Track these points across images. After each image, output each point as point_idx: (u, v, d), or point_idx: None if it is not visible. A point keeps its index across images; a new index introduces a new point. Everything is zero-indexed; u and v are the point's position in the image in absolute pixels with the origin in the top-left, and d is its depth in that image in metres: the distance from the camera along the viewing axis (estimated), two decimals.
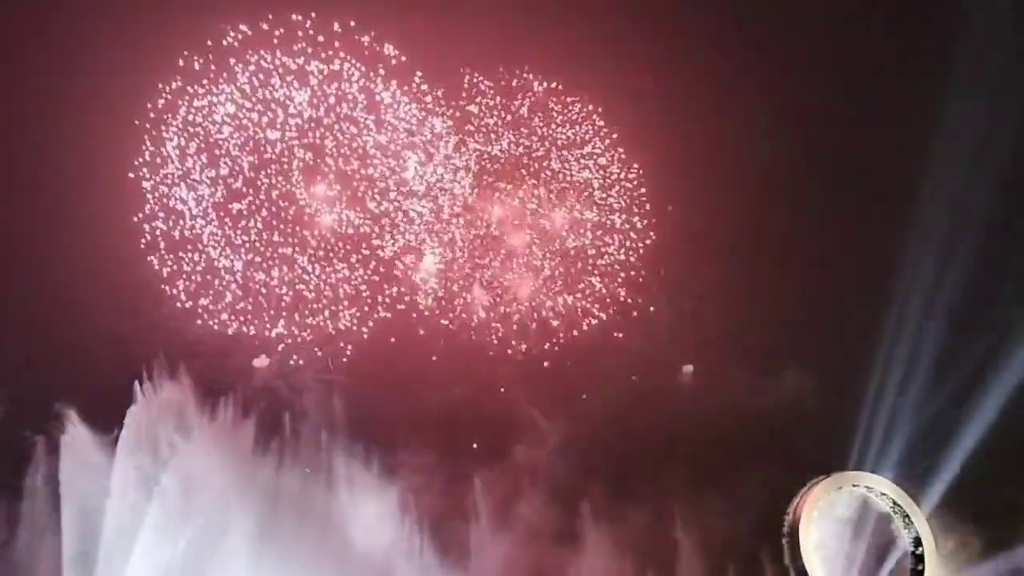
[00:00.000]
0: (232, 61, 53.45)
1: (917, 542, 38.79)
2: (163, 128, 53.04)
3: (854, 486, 40.19)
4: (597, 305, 57.62)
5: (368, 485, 48.64)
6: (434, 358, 55.83)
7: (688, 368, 57.89)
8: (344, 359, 54.26)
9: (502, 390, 55.74)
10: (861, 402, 51.11)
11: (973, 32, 50.51)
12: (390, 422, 51.80)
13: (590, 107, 58.99)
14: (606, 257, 58.04)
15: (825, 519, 39.45)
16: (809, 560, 38.77)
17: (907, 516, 39.36)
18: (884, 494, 39.59)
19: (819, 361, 53.80)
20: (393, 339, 55.09)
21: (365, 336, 54.96)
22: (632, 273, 58.25)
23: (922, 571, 38.57)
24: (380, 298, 55.38)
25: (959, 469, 41.07)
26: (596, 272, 57.53)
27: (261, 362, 53.23)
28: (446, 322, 55.92)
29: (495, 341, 56.64)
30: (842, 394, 52.47)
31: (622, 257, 57.93)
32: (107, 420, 40.07)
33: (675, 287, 57.77)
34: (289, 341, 53.63)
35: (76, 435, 39.21)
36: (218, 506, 40.83)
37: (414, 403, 52.96)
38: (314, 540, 43.98)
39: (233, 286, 53.07)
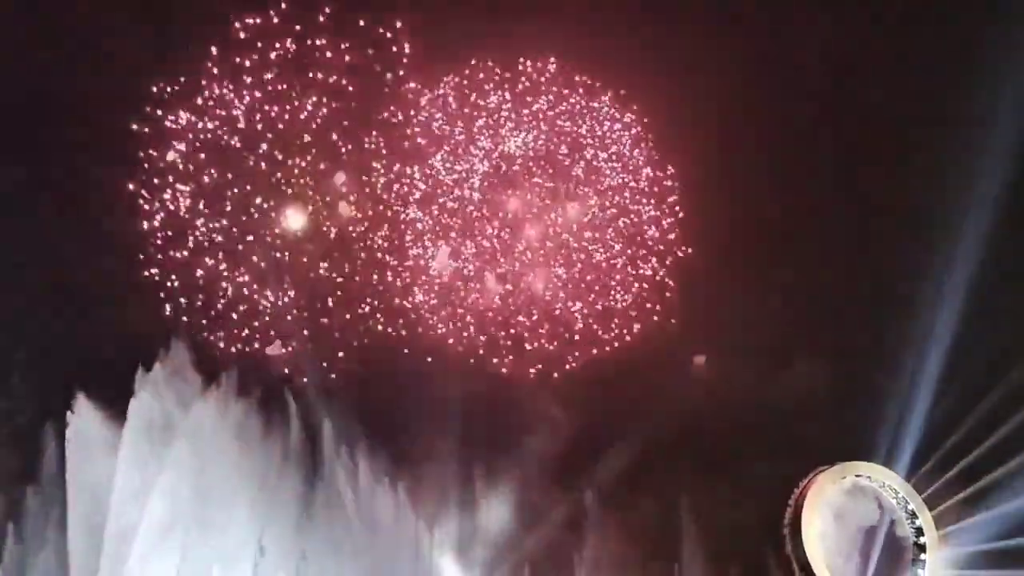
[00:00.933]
0: (237, 60, 53.16)
1: (919, 532, 38.49)
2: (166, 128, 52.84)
3: (857, 476, 39.91)
4: (616, 319, 57.40)
5: (378, 476, 49.03)
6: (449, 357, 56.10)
7: (700, 358, 57.77)
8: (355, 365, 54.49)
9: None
10: (870, 394, 51.04)
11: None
12: (401, 417, 52.15)
13: (619, 104, 58.37)
14: (635, 270, 57.67)
15: (827, 509, 39.25)
16: (810, 550, 38.58)
17: (910, 506, 39.11)
18: (887, 484, 39.36)
19: (830, 353, 53.76)
20: (406, 350, 55.46)
21: (375, 340, 55.15)
22: (658, 285, 57.98)
23: (924, 561, 38.28)
24: (394, 305, 55.39)
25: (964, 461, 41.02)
26: (622, 289, 57.20)
27: (275, 350, 53.33)
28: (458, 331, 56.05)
29: (510, 341, 56.73)
30: (852, 386, 52.39)
31: (649, 273, 57.52)
32: (115, 402, 40.62)
33: (691, 279, 57.76)
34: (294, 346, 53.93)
35: (84, 416, 39.64)
36: (225, 484, 41.14)
37: (426, 398, 53.26)
38: (320, 520, 44.47)
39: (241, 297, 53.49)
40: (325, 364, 52.94)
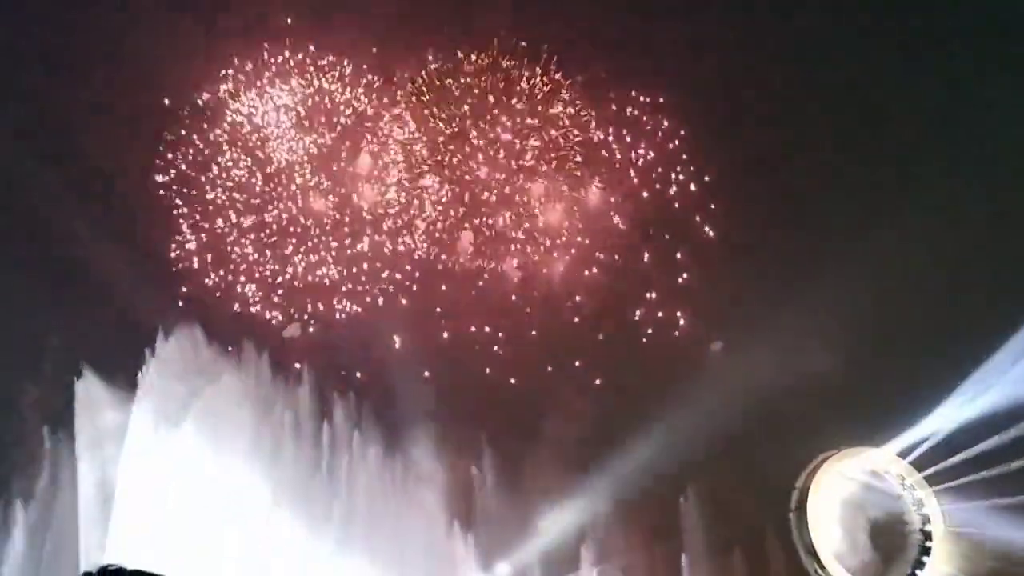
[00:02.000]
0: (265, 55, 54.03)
1: (926, 519, 38.08)
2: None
3: (863, 462, 39.58)
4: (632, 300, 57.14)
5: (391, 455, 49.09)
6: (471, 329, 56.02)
7: (718, 345, 57.50)
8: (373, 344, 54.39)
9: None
10: (883, 381, 50.68)
11: None
12: (417, 398, 52.25)
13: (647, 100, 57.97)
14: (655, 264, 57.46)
15: (833, 494, 38.97)
16: (816, 535, 38.31)
17: (916, 492, 38.72)
18: (894, 471, 39.01)
19: (845, 340, 53.41)
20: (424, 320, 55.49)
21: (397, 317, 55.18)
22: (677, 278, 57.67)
23: (930, 548, 37.87)
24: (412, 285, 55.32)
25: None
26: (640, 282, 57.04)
27: (292, 331, 53.14)
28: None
29: (528, 319, 56.59)
30: (865, 373, 52.03)
31: (669, 266, 57.31)
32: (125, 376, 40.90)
33: (709, 265, 57.54)
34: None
35: (92, 390, 39.96)
36: (233, 460, 41.36)
37: (445, 380, 53.31)
38: (325, 495, 44.63)
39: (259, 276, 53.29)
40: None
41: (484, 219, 55.64)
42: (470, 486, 50.95)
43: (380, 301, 54.42)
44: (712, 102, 56.38)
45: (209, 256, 52.51)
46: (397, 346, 54.54)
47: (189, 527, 38.76)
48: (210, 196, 53.02)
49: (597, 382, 55.74)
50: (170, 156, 53.21)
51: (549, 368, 56.54)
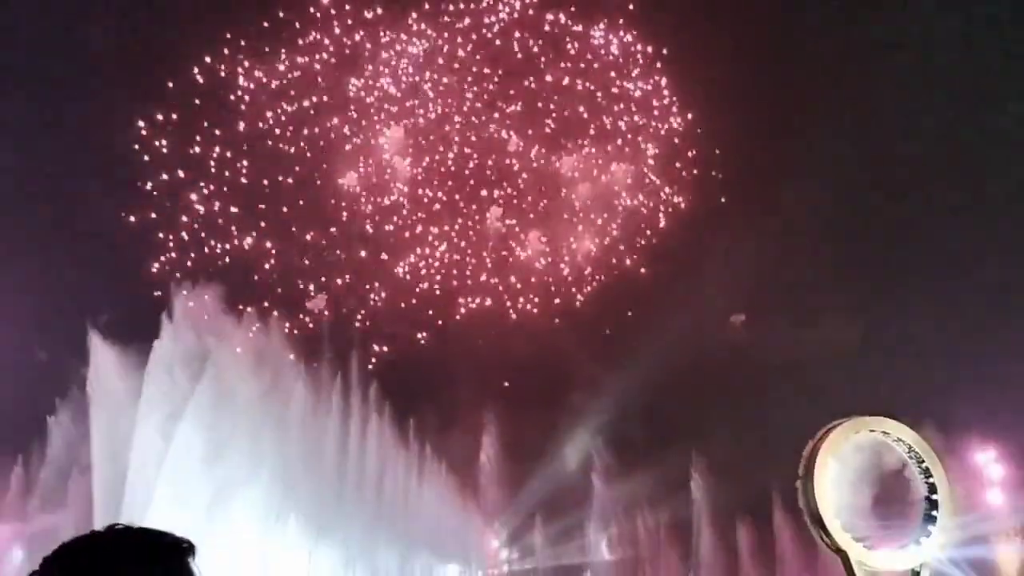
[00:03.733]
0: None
1: (932, 488, 38.06)
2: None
3: (871, 431, 39.49)
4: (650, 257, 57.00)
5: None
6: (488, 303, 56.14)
7: (739, 317, 57.76)
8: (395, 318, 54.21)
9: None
10: (897, 351, 50.58)
11: None
12: (441, 370, 52.57)
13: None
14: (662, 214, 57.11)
15: (840, 463, 39.06)
16: (823, 503, 38.51)
17: (923, 462, 38.66)
18: (901, 439, 38.89)
19: (860, 312, 53.33)
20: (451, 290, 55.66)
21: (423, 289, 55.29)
22: (688, 229, 57.52)
23: (936, 517, 37.88)
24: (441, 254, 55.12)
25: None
26: (650, 229, 56.63)
27: (317, 303, 52.99)
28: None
29: (545, 293, 56.75)
30: (879, 344, 51.96)
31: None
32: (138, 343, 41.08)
33: (729, 240, 57.44)
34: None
35: (105, 359, 40.29)
36: (247, 434, 41.71)
37: (467, 352, 53.72)
38: (339, 473, 45.01)
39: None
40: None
41: (511, 192, 55.12)
42: (482, 461, 51.40)
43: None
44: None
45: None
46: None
47: (199, 496, 39.42)
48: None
49: (614, 354, 56.06)
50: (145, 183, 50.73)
51: (571, 343, 56.96)
